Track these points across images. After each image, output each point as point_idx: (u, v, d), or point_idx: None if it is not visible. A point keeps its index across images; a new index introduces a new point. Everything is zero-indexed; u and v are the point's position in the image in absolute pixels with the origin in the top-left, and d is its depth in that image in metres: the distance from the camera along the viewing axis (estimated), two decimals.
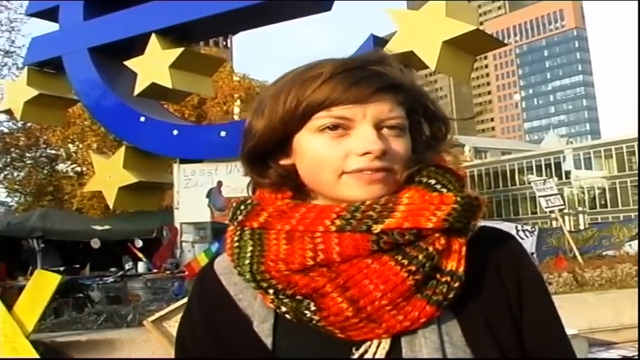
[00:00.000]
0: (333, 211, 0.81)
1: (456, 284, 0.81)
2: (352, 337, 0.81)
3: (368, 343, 0.81)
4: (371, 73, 0.83)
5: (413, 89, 0.87)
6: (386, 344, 0.81)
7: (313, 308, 0.81)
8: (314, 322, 0.81)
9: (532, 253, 8.83)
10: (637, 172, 46.98)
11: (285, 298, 0.83)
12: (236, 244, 0.88)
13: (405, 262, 0.79)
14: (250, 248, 0.85)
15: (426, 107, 0.89)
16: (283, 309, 0.83)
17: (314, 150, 0.83)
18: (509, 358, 0.83)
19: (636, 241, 9.84)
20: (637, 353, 4.00)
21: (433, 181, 0.84)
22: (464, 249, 0.82)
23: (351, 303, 0.79)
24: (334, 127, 0.82)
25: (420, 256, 0.79)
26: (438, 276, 0.81)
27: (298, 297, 0.81)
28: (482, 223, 0.87)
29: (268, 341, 0.85)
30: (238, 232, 0.88)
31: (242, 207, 0.88)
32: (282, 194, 0.88)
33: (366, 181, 0.82)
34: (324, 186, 0.84)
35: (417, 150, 0.87)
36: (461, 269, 0.81)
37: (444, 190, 0.83)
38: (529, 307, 0.87)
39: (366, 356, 0.81)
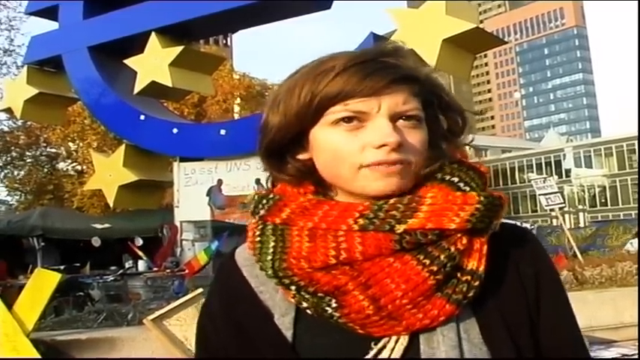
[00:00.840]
0: (356, 210, 0.81)
1: (476, 283, 0.81)
2: (372, 333, 0.82)
3: (386, 339, 0.82)
4: (384, 64, 0.83)
5: (427, 80, 0.87)
6: (404, 341, 0.82)
7: (334, 305, 0.81)
8: (335, 318, 0.82)
9: None
10: (637, 170, 46.95)
11: (307, 295, 0.83)
12: (258, 238, 0.88)
13: (427, 261, 0.79)
14: (272, 244, 0.85)
15: (441, 98, 0.88)
16: (304, 304, 0.84)
17: (330, 143, 0.83)
18: (525, 357, 0.83)
19: (636, 240, 9.83)
20: (637, 352, 3.99)
21: (456, 179, 0.84)
22: (485, 247, 0.82)
23: (372, 301, 0.79)
24: (349, 120, 0.82)
25: (442, 256, 0.79)
26: (459, 275, 0.81)
27: (320, 294, 0.82)
28: None
29: (289, 334, 0.86)
30: (260, 227, 0.88)
31: (264, 201, 0.88)
32: (304, 189, 0.88)
33: (384, 174, 0.81)
34: (342, 180, 0.84)
35: (435, 144, 0.86)
36: (482, 268, 0.82)
37: (467, 189, 0.83)
38: (546, 305, 0.88)
39: (384, 352, 0.82)
